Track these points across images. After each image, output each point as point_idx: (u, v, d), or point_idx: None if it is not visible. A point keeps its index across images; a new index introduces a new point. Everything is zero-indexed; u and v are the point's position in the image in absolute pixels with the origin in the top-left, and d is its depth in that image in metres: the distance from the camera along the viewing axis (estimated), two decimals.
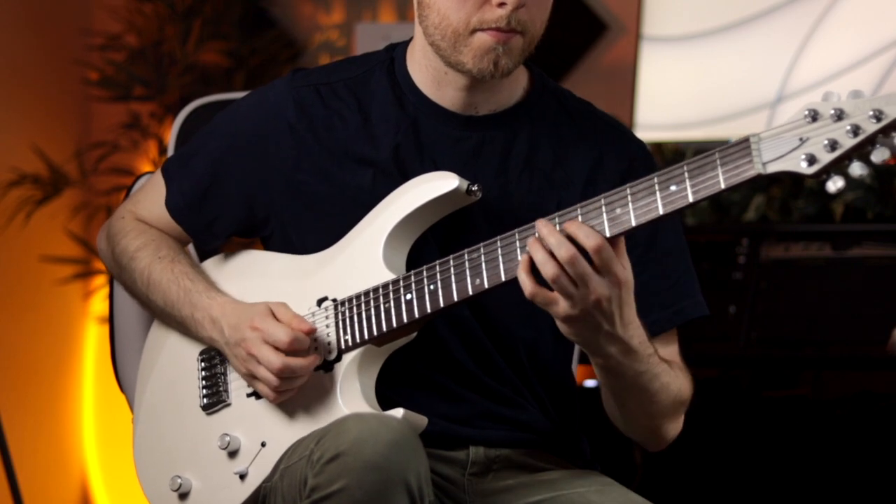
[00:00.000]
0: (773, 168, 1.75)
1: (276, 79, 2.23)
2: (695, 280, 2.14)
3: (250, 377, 2.07)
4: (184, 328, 2.18)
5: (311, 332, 2.04)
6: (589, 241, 1.82)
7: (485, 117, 2.13)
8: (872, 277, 3.13)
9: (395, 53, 2.19)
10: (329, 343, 2.05)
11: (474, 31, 2.03)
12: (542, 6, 2.06)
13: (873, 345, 3.05)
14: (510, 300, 2.09)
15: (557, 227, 1.86)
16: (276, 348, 2.02)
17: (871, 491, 3.34)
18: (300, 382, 2.04)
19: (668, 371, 2.01)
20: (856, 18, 3.44)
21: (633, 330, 1.90)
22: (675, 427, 2.10)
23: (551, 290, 1.86)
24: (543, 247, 1.84)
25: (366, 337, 2.03)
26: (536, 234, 1.86)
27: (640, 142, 2.20)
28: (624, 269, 1.85)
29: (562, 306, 1.85)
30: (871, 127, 1.69)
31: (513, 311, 2.11)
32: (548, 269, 1.83)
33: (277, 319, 2.05)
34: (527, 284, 1.85)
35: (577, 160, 2.14)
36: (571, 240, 1.83)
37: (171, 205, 2.24)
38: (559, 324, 1.89)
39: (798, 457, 3.38)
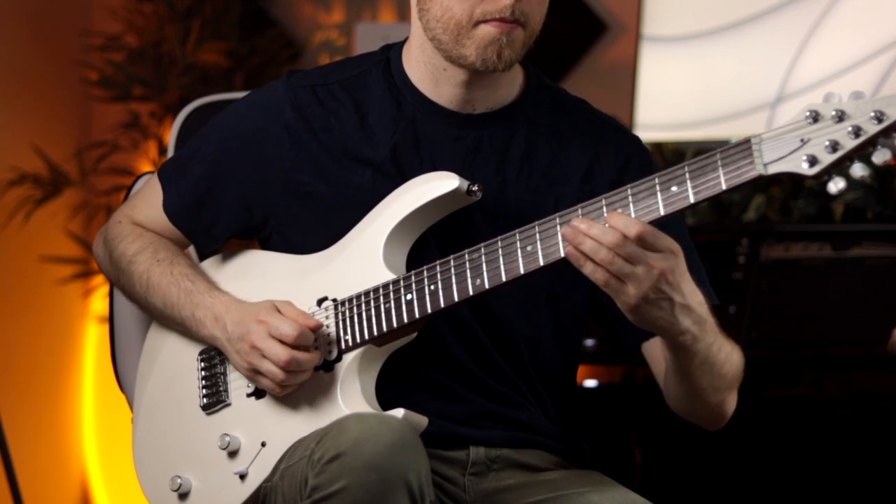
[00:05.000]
0: (774, 169, 1.75)
1: (272, 81, 2.23)
2: (704, 271, 2.13)
3: (252, 372, 2.06)
4: (184, 329, 2.18)
5: (318, 328, 2.04)
6: (630, 229, 1.81)
7: (482, 115, 2.13)
8: (872, 277, 3.12)
9: (391, 53, 2.19)
10: (329, 343, 2.06)
11: (478, 23, 2.03)
12: (541, 0, 2.07)
13: (873, 345, 3.05)
14: (512, 299, 2.09)
15: (605, 210, 1.86)
16: (282, 342, 2.02)
17: (871, 491, 3.34)
18: (303, 378, 2.04)
19: (726, 340, 1.99)
20: (856, 18, 3.43)
21: (698, 297, 1.89)
22: (734, 400, 2.07)
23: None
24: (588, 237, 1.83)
25: (366, 337, 2.03)
26: (568, 227, 1.84)
27: (636, 137, 2.20)
28: (670, 238, 1.84)
29: (630, 290, 1.83)
30: (872, 128, 1.70)
31: (514, 310, 2.11)
32: (602, 254, 1.82)
33: (283, 315, 2.05)
34: (598, 272, 1.83)
35: (574, 156, 2.14)
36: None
37: (168, 208, 2.24)
38: (632, 315, 1.86)
39: (798, 457, 3.38)
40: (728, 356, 1.99)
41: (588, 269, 1.84)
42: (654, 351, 2.11)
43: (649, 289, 1.83)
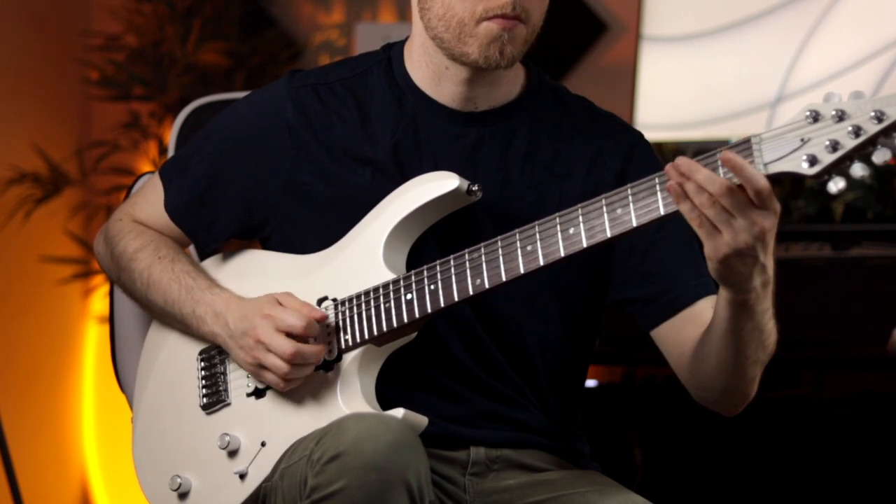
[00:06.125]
0: (774, 168, 1.75)
1: (274, 80, 2.23)
2: (704, 263, 2.08)
3: (257, 367, 2.06)
4: (184, 326, 2.18)
5: (324, 320, 2.04)
6: (756, 183, 1.74)
7: (484, 113, 2.14)
8: (872, 277, 3.12)
9: (393, 52, 2.19)
10: (329, 342, 2.06)
11: (480, 20, 2.03)
12: None
13: (873, 345, 3.05)
14: (517, 296, 2.09)
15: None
16: (288, 335, 2.02)
17: (871, 491, 3.34)
18: (307, 371, 2.04)
19: (773, 315, 1.95)
20: (856, 18, 3.44)
21: (772, 260, 1.84)
22: (757, 384, 2.03)
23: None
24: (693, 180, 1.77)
25: (366, 337, 2.03)
26: (672, 165, 1.78)
27: (637, 131, 2.20)
28: (776, 200, 1.78)
29: (726, 238, 1.77)
30: (872, 128, 1.70)
31: (521, 307, 2.11)
32: (703, 198, 1.76)
33: (287, 307, 2.05)
34: (694, 213, 1.77)
35: (577, 152, 2.14)
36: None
37: (169, 207, 2.24)
38: (714, 264, 1.80)
39: (798, 457, 3.38)
40: (772, 330, 1.94)
41: (685, 207, 1.78)
42: (670, 334, 2.08)
43: (744, 243, 1.77)
